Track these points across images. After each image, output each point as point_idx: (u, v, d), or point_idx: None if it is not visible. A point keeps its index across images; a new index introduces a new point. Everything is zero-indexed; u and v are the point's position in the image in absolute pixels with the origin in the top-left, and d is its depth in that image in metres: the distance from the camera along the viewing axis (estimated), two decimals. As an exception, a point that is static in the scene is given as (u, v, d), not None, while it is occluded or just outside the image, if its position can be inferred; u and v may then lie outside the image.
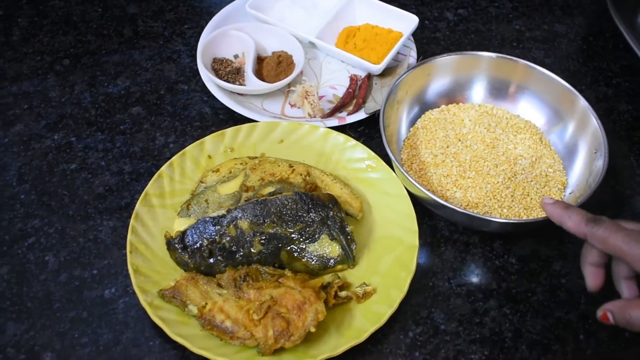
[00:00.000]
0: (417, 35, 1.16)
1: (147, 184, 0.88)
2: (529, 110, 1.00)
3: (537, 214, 0.89)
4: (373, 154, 0.93)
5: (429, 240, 0.89)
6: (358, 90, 1.06)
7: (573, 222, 0.72)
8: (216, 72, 1.06)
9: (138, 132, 1.00)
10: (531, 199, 0.90)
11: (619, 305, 0.70)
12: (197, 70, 1.07)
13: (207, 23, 1.14)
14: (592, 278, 0.75)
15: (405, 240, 0.84)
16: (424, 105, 1.01)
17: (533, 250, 0.89)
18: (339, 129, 0.98)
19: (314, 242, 0.82)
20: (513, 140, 0.96)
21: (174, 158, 0.91)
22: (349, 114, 1.02)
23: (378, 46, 1.09)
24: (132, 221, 0.84)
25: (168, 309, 0.78)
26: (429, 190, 0.83)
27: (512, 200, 0.89)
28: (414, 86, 0.98)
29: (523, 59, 0.99)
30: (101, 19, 1.19)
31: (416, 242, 0.83)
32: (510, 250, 0.89)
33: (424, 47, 1.16)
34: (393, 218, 0.87)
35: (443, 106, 1.02)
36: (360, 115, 1.00)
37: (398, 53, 1.10)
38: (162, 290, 0.78)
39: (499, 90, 1.01)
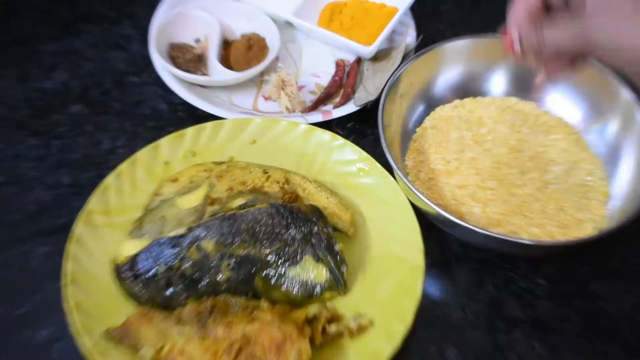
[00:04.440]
0: (415, 10, 1.15)
1: (89, 199, 0.86)
2: (562, 104, 0.99)
3: (575, 233, 0.87)
4: (365, 154, 0.92)
5: (438, 259, 0.88)
6: (346, 78, 1.06)
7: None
8: (174, 61, 1.06)
9: (79, 136, 1.00)
10: (567, 214, 0.88)
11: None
12: (150, 58, 1.07)
13: (161, 1, 1.14)
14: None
15: (408, 259, 0.83)
16: (433, 100, 1.00)
17: (565, 268, 0.88)
18: (324, 125, 0.97)
19: (296, 265, 0.80)
20: (543, 141, 0.95)
21: (122, 166, 0.89)
22: (336, 106, 1.02)
23: (369, 24, 1.09)
24: (71, 245, 0.82)
25: (116, 354, 0.75)
26: (440, 205, 0.82)
27: (544, 217, 0.88)
28: (421, 77, 0.98)
29: (553, 40, 0.97)
30: (33, -1, 1.20)
31: (421, 261, 0.82)
32: (537, 269, 0.88)
33: (424, 24, 1.15)
34: (392, 232, 0.86)
35: (457, 101, 1.01)
36: (350, 107, 1.00)
37: (393, 32, 1.11)
38: (109, 330, 0.76)
39: (525, 80, 1.00)
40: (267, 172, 0.89)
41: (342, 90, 1.05)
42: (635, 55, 0.64)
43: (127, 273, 0.80)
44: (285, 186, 0.88)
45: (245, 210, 0.83)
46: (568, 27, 0.67)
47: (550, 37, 0.68)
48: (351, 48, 1.07)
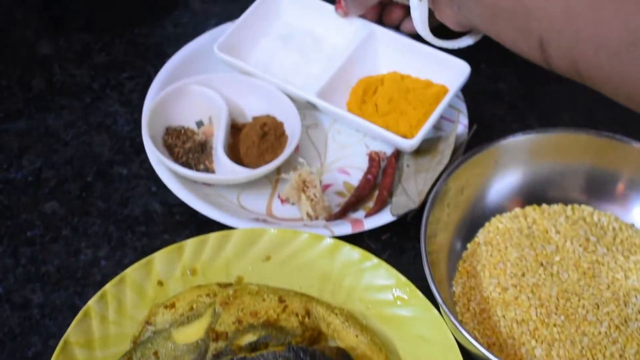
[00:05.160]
0: (468, 87, 1.13)
1: (67, 326, 0.86)
2: (650, 216, 1.00)
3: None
4: (404, 279, 0.92)
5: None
6: (381, 176, 1.06)
7: None
8: (170, 150, 1.07)
9: (53, 242, 1.00)
10: (653, 360, 0.89)
11: None
12: (141, 144, 1.07)
13: (157, 71, 1.14)
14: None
15: (455, 416, 0.84)
16: (487, 209, 1.02)
17: None
18: (354, 238, 0.98)
19: None
20: (624, 264, 0.96)
21: (107, 286, 0.90)
22: (368, 214, 1.02)
23: (411, 108, 1.09)
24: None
25: None
26: (493, 346, 0.82)
27: (623, 363, 0.88)
28: (473, 180, 0.99)
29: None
30: (-2, 63, 1.20)
31: (471, 419, 0.83)
32: None
33: (478, 105, 1.15)
34: (436, 380, 0.87)
35: (517, 210, 1.02)
36: (385, 217, 1.00)
37: (441, 118, 1.10)
38: None
39: (602, 186, 1.02)
40: (284, 301, 0.89)
41: (376, 193, 1.04)
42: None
43: None
44: (306, 320, 0.88)
45: (257, 353, 0.81)
46: None
47: None
48: (388, 139, 1.05)
